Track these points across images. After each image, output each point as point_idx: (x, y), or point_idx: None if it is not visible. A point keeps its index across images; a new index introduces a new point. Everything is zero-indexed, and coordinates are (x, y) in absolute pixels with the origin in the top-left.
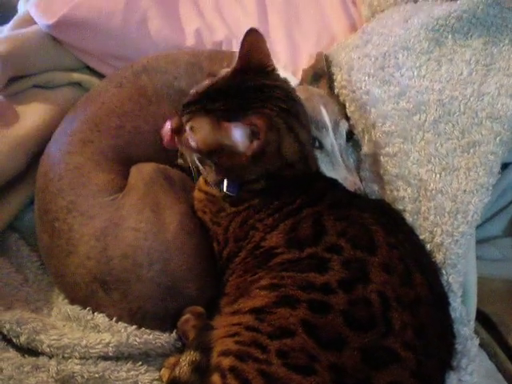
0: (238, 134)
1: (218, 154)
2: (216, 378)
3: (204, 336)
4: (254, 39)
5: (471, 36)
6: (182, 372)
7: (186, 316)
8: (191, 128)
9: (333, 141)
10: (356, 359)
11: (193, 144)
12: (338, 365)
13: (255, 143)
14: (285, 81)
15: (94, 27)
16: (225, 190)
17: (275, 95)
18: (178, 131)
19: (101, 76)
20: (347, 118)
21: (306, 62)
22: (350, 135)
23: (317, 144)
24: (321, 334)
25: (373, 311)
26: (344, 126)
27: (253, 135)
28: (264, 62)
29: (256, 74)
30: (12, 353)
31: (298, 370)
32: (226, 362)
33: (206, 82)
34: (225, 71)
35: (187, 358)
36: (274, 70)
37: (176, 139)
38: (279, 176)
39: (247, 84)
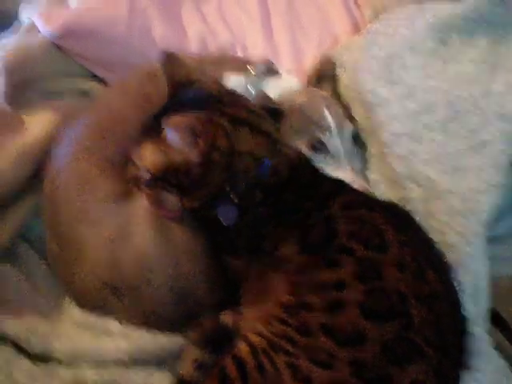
0: (176, 138)
1: (175, 176)
2: (244, 347)
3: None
4: (171, 64)
5: (477, 35)
6: (185, 371)
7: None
8: (139, 158)
9: (337, 143)
10: (376, 353)
11: (145, 174)
12: (358, 360)
13: (200, 141)
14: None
15: (98, 35)
16: (226, 223)
17: (215, 101)
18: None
19: (106, 84)
20: (351, 120)
21: (309, 64)
22: (356, 137)
23: (320, 146)
24: (338, 333)
25: (391, 303)
26: (349, 129)
27: (194, 135)
28: (188, 79)
29: (187, 91)
30: (24, 361)
31: (319, 364)
32: (258, 341)
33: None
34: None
35: (190, 356)
36: (198, 81)
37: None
38: (270, 184)
39: (182, 102)
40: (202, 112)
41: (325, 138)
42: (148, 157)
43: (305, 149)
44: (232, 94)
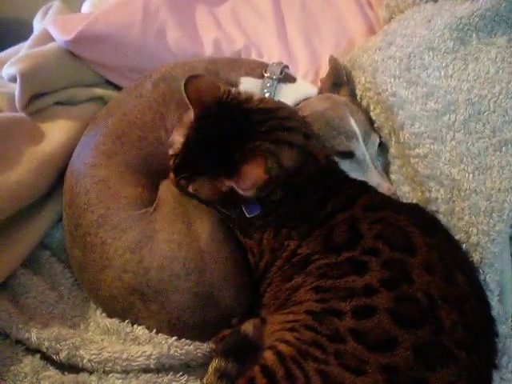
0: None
1: (228, 196)
2: (269, 355)
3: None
4: (195, 84)
5: (495, 34)
6: (208, 381)
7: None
8: (195, 190)
9: (363, 150)
10: (409, 358)
11: (203, 197)
12: (390, 365)
13: (259, 183)
14: (247, 98)
15: (113, 41)
16: (248, 216)
17: (252, 121)
18: (179, 187)
19: (120, 90)
20: (370, 122)
21: (326, 67)
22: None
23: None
24: (369, 338)
25: (421, 308)
26: (375, 140)
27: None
28: (217, 95)
29: (217, 109)
30: (52, 371)
31: (351, 371)
32: (286, 349)
33: (179, 140)
34: (189, 119)
35: (213, 366)
36: (228, 95)
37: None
38: (292, 184)
39: (220, 128)
40: (253, 151)
41: (351, 146)
42: (205, 191)
43: (331, 154)
44: (269, 110)
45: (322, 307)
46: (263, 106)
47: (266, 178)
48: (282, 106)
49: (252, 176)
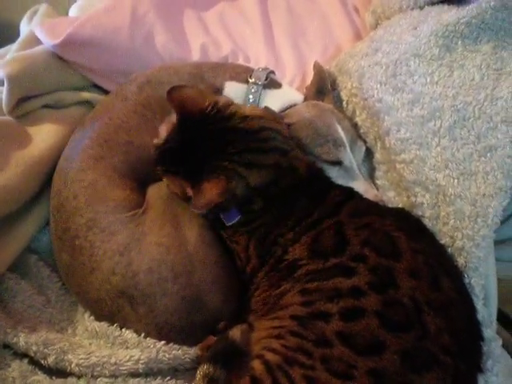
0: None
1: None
2: (257, 364)
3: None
4: (179, 93)
5: (480, 41)
6: None
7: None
8: (167, 184)
9: (351, 157)
10: (396, 363)
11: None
12: (377, 369)
13: (211, 203)
14: (230, 113)
15: (100, 45)
16: (227, 224)
17: (227, 140)
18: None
19: (108, 93)
20: (355, 127)
21: (312, 72)
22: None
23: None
24: (357, 341)
25: (407, 313)
26: (362, 147)
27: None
28: (199, 107)
29: (198, 120)
30: (41, 375)
31: (338, 376)
32: (273, 357)
33: (163, 133)
34: (171, 121)
35: (201, 372)
36: (213, 107)
37: None
38: (269, 194)
39: (198, 138)
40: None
41: (339, 154)
42: (172, 187)
43: (318, 162)
44: (246, 132)
45: (307, 311)
46: (244, 125)
47: (219, 200)
48: (265, 127)
49: (206, 195)
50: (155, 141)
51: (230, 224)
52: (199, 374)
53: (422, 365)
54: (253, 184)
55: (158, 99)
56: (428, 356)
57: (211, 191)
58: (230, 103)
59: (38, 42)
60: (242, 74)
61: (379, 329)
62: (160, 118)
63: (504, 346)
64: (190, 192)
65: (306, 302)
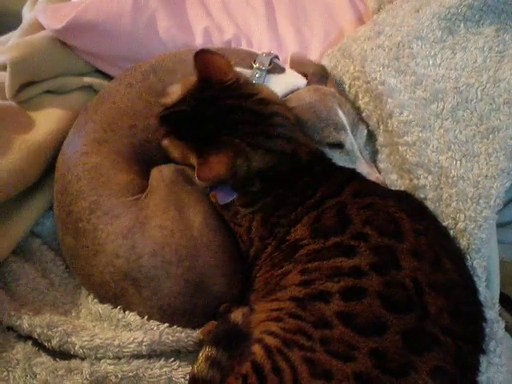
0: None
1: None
2: (258, 349)
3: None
4: (206, 58)
5: (483, 24)
6: (199, 368)
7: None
8: (166, 145)
9: (352, 140)
10: (397, 343)
11: (171, 156)
12: (379, 350)
13: (216, 177)
14: (249, 92)
15: (103, 30)
16: (220, 202)
17: (241, 118)
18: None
19: (111, 79)
20: (357, 110)
21: (315, 57)
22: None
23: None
24: (358, 321)
25: (409, 294)
26: (363, 130)
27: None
28: (222, 78)
29: (218, 91)
30: (44, 357)
31: (338, 357)
32: (272, 341)
33: (176, 93)
34: (191, 82)
35: (203, 354)
36: (234, 82)
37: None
38: (268, 177)
39: (213, 109)
40: (226, 148)
41: (340, 137)
42: (174, 152)
43: (319, 145)
44: (258, 113)
45: (306, 292)
46: (259, 108)
47: (225, 176)
48: (278, 113)
49: (214, 168)
50: (163, 100)
51: (225, 203)
52: (201, 356)
53: (422, 345)
54: (255, 167)
55: (163, 86)
56: (429, 336)
57: (219, 165)
58: (250, 82)
59: (40, 27)
60: (247, 59)
61: (381, 309)
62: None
63: (507, 328)
64: (194, 161)
65: (305, 281)
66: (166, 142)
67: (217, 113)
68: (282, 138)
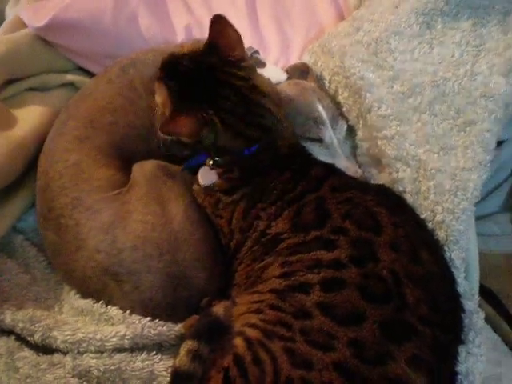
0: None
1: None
2: (239, 341)
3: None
4: (220, 26)
5: (460, 18)
6: (181, 362)
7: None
8: (156, 87)
9: (331, 134)
10: (375, 333)
11: (154, 105)
12: (357, 340)
13: (176, 134)
14: (245, 76)
15: (84, 27)
16: (201, 182)
17: (222, 94)
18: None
19: (93, 76)
20: (337, 105)
21: (297, 53)
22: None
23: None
24: (337, 312)
25: (387, 285)
26: (343, 125)
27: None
28: (228, 51)
29: (218, 61)
30: (27, 352)
31: (318, 347)
32: (253, 333)
33: (189, 46)
34: (201, 44)
35: (185, 348)
36: (237, 60)
37: None
38: (247, 165)
39: (212, 74)
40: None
41: (320, 132)
42: (159, 97)
43: (299, 139)
44: (245, 97)
45: (286, 284)
46: (247, 93)
47: (187, 139)
48: (263, 104)
49: (178, 127)
50: (177, 49)
51: (208, 188)
52: (183, 349)
53: (400, 335)
54: (221, 144)
55: (142, 80)
56: (406, 326)
57: (183, 127)
58: (250, 67)
59: (23, 25)
60: None
61: (359, 300)
62: (146, 98)
63: (486, 319)
64: (167, 112)
65: (286, 273)
66: (156, 84)
67: (208, 80)
68: (259, 128)
